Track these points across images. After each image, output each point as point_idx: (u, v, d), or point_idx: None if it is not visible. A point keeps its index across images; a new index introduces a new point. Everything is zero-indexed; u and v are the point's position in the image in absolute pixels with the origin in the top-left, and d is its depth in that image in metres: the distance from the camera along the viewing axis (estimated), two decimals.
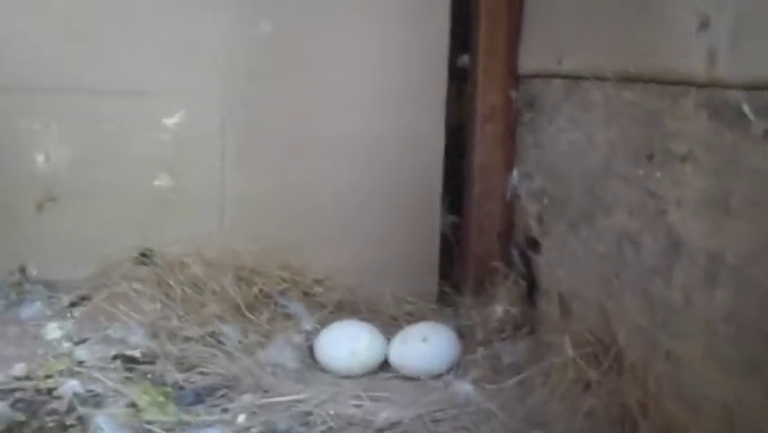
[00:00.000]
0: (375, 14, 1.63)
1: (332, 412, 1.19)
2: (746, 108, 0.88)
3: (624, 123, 1.18)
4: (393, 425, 1.17)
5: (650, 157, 1.10)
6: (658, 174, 1.08)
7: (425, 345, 1.41)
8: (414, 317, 1.57)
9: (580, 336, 1.22)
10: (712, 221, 0.95)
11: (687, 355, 0.99)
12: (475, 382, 1.31)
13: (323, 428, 1.16)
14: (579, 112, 1.34)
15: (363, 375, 1.40)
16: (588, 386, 1.16)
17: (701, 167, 0.97)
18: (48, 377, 1.25)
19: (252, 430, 1.14)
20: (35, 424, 1.12)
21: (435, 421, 1.17)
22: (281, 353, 1.39)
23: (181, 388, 1.27)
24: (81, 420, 1.13)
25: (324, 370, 1.41)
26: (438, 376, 1.39)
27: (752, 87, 0.88)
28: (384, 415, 1.18)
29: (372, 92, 1.64)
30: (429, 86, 1.65)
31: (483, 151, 1.63)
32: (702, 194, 0.97)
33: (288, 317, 1.51)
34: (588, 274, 1.29)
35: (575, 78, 1.35)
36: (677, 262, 1.02)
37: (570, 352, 1.20)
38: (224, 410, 1.20)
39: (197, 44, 1.60)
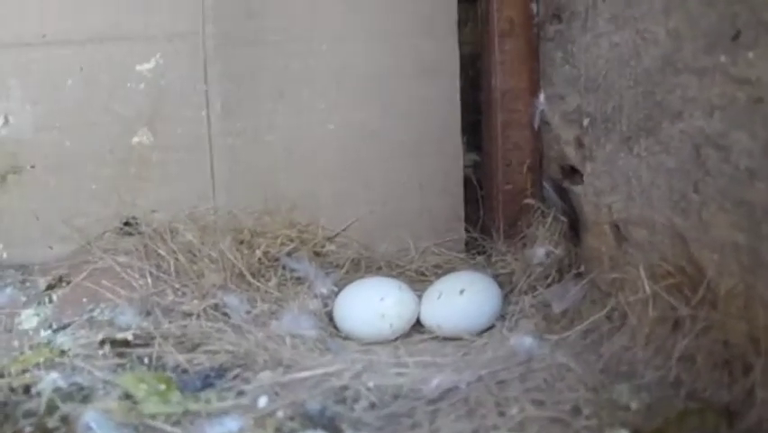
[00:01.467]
0: None
1: (371, 385, 0.98)
2: None
3: (691, 5, 0.98)
4: (448, 393, 0.95)
5: (735, 36, 0.90)
6: (750, 55, 0.87)
7: (463, 299, 1.22)
8: (443, 270, 1.38)
9: (656, 267, 1.02)
10: None
11: None
12: (533, 334, 1.11)
13: (364, 404, 0.95)
14: (624, 8, 1.14)
15: (394, 340, 1.21)
16: (677, 325, 0.96)
17: None
18: (23, 372, 1.04)
19: (278, 414, 0.92)
20: (8, 430, 0.90)
21: (500, 383, 0.96)
22: (297, 321, 1.20)
23: (185, 372, 1.06)
24: (65, 421, 0.91)
25: (347, 337, 1.22)
26: (482, 333, 1.20)
27: None
28: (435, 382, 0.97)
29: (374, 17, 1.43)
30: (438, 6, 1.44)
31: (504, 74, 1.43)
32: None
33: (300, 280, 1.32)
34: (653, 194, 1.09)
35: None
36: None
37: (647, 287, 1.00)
38: (240, 393, 0.98)
39: None
